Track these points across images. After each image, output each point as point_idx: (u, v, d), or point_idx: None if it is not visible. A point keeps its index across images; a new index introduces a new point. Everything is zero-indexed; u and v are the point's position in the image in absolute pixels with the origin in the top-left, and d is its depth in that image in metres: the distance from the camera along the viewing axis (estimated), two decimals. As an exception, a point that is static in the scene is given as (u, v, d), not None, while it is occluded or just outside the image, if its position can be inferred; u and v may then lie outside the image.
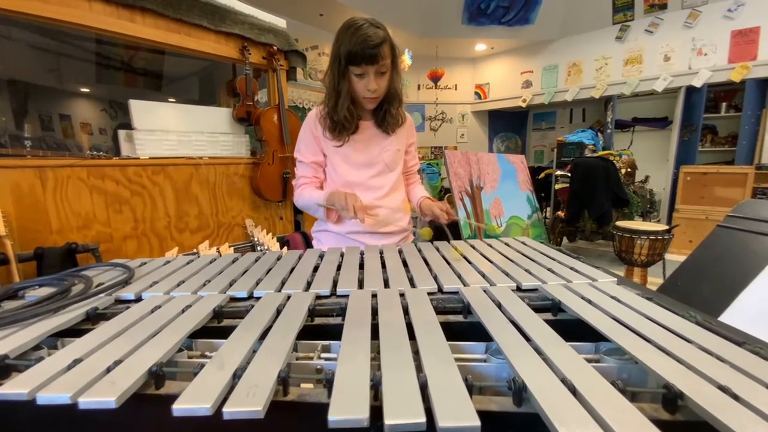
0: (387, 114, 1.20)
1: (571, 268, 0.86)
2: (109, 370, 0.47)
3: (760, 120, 4.16)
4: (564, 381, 0.44)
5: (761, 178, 3.85)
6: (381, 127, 1.22)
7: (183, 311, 0.65)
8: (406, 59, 4.90)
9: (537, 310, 0.67)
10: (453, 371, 0.47)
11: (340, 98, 1.11)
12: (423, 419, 0.39)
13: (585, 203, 3.94)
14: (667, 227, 2.87)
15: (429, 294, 0.72)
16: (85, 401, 0.42)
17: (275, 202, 2.80)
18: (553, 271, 0.84)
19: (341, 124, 1.15)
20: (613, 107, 5.14)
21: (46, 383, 0.46)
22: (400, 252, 1.02)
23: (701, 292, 1.05)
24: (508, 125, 6.89)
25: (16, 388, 0.45)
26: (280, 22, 2.82)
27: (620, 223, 3.04)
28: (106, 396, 0.41)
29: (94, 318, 0.65)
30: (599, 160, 3.99)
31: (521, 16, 5.30)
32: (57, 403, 0.43)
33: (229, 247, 2.43)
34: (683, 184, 4.32)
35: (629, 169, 4.27)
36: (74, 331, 0.62)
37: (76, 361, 0.49)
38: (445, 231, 1.15)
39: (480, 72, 6.57)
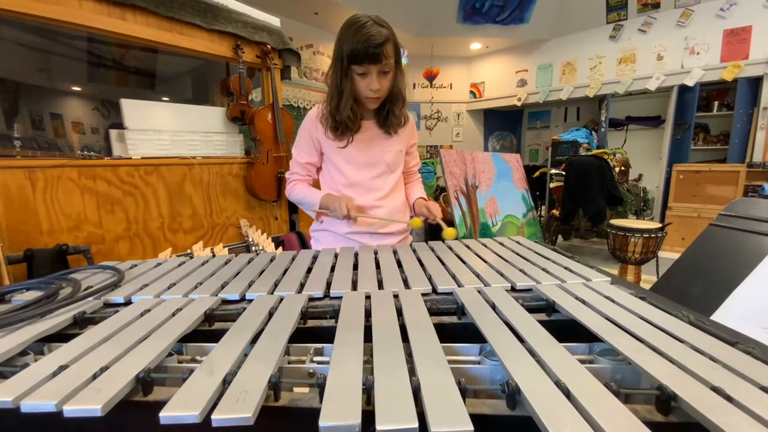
0: (390, 114, 1.19)
1: (566, 268, 0.86)
2: (95, 376, 0.46)
3: (751, 118, 4.19)
4: (558, 383, 0.44)
5: (753, 176, 3.89)
6: (383, 127, 1.21)
7: (173, 315, 0.64)
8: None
9: (531, 310, 0.67)
10: (446, 374, 0.46)
11: (343, 98, 1.10)
12: (415, 424, 0.38)
13: (579, 201, 3.96)
14: (660, 225, 2.89)
15: (423, 295, 0.72)
16: (70, 409, 0.41)
17: (270, 202, 2.78)
18: (547, 271, 0.84)
19: (344, 123, 1.13)
20: (606, 106, 5.16)
21: (31, 390, 0.45)
22: (395, 252, 1.02)
23: (694, 290, 1.06)
24: (503, 124, 6.90)
25: (0, 395, 0.44)
26: (274, 21, 2.80)
27: (614, 222, 3.05)
28: (91, 404, 0.41)
29: (81, 322, 0.64)
30: (593, 159, 4.01)
31: (516, 15, 5.31)
32: (42, 411, 0.42)
33: (224, 247, 2.41)
34: (676, 182, 4.35)
35: (623, 168, 4.29)
36: (61, 336, 0.61)
37: (62, 368, 0.48)
38: (440, 225, 1.15)
39: (475, 71, 6.57)
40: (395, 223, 1.27)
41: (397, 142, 1.25)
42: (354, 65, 1.05)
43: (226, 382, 0.45)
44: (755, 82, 4.24)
